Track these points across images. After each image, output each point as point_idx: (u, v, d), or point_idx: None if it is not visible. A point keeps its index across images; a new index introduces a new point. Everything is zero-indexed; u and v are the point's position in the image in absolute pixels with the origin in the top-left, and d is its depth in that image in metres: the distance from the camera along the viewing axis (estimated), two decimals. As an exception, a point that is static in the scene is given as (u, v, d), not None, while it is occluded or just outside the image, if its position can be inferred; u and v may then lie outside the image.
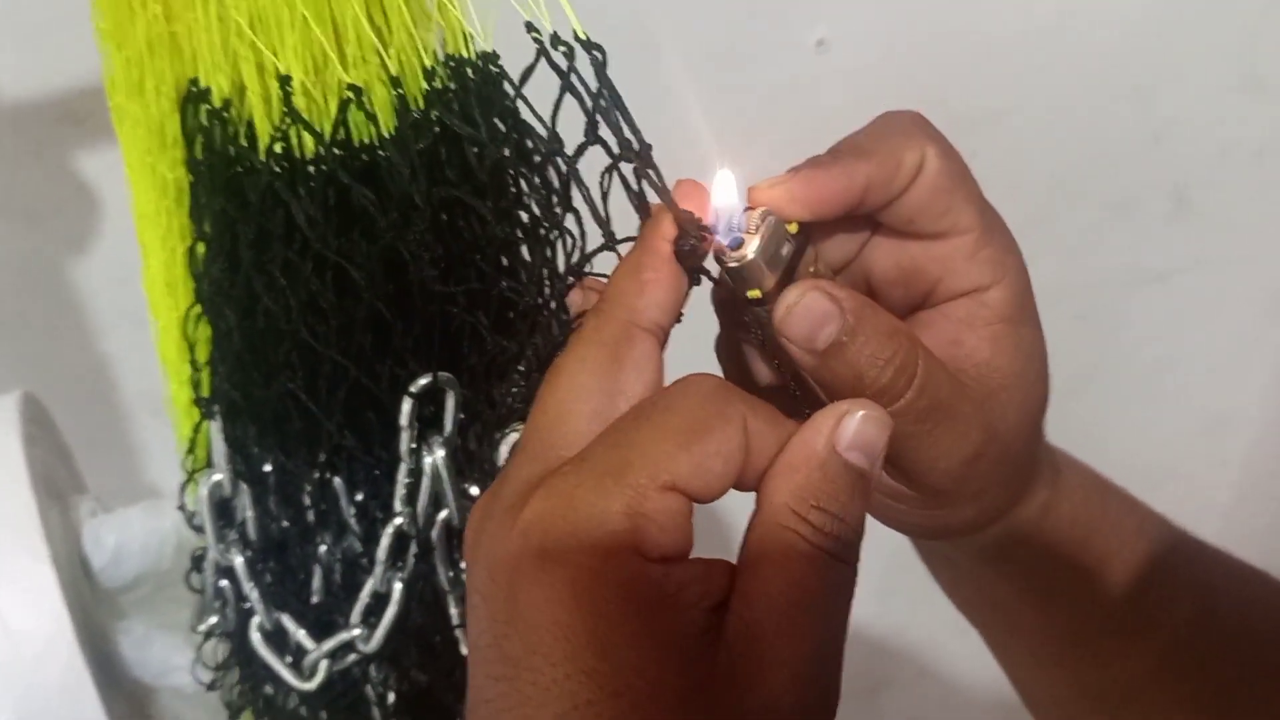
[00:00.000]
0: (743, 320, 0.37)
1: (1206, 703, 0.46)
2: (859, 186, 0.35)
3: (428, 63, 0.37)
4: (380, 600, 0.44)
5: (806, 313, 0.34)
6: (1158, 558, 0.46)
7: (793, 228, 0.35)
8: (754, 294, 0.34)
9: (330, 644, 0.45)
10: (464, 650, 0.45)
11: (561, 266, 0.39)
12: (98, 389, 0.84)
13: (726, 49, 0.86)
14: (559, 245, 0.39)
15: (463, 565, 0.43)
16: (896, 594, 1.22)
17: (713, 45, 0.86)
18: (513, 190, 0.38)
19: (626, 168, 0.35)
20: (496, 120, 0.37)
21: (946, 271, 0.37)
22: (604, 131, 0.35)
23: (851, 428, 0.31)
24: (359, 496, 0.44)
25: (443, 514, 0.42)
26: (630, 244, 0.36)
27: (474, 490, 0.42)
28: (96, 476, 0.63)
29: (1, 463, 0.49)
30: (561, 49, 0.35)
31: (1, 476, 0.49)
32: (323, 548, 0.45)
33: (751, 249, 0.34)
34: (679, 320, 0.35)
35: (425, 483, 0.41)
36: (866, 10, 0.88)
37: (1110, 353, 1.13)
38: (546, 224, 0.38)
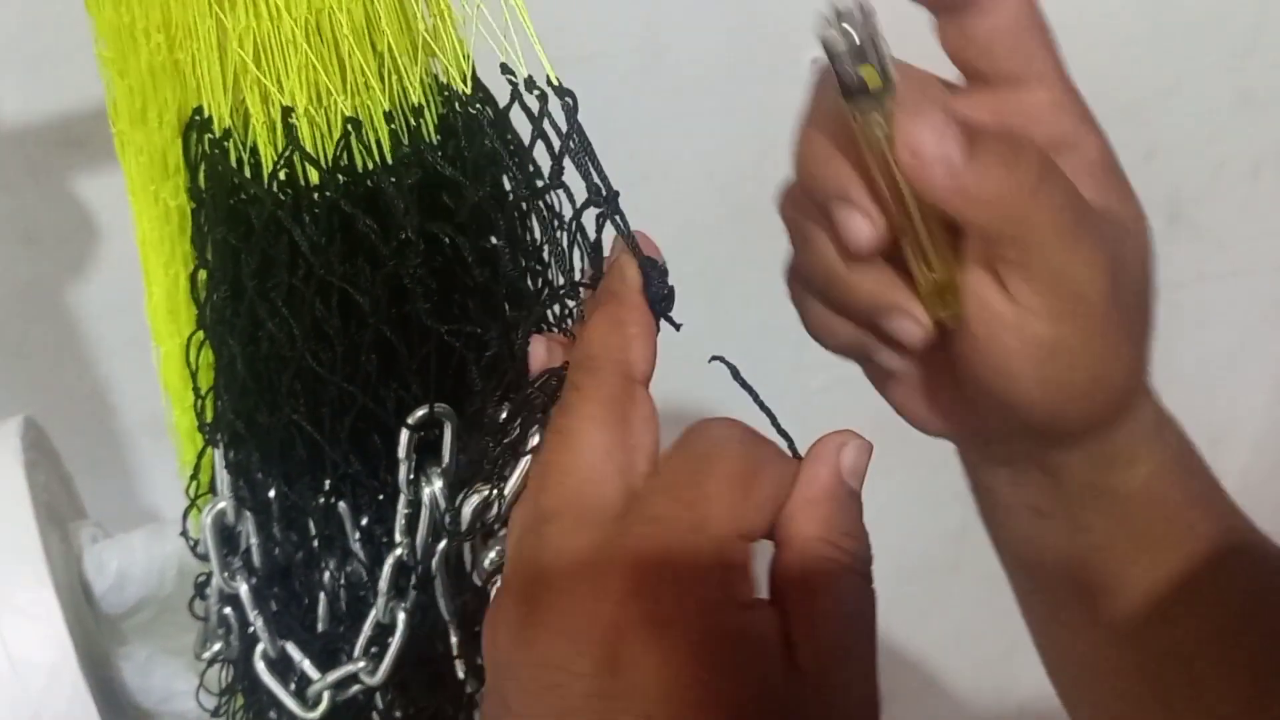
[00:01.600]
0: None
1: (1255, 678, 0.44)
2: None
3: (416, 97, 0.37)
4: (383, 631, 0.44)
5: (933, 127, 0.33)
6: (1229, 519, 0.45)
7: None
8: (872, 78, 0.33)
9: (334, 676, 0.45)
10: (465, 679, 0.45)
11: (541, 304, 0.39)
12: (97, 413, 0.84)
13: (722, 70, 0.86)
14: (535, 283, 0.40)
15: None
16: (902, 606, 1.22)
17: (708, 64, 0.86)
18: (494, 225, 0.39)
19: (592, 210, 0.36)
20: (490, 151, 0.38)
21: (1034, 121, 0.36)
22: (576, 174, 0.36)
23: (850, 457, 0.33)
24: (364, 521, 0.44)
25: (442, 544, 0.42)
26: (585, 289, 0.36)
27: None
28: (96, 501, 0.63)
29: (4, 489, 0.49)
30: (535, 92, 0.35)
31: (4, 502, 0.49)
32: (327, 574, 0.45)
33: (863, 18, 0.33)
34: None
35: (424, 514, 0.41)
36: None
37: (1107, 367, 1.13)
38: (512, 264, 0.39)
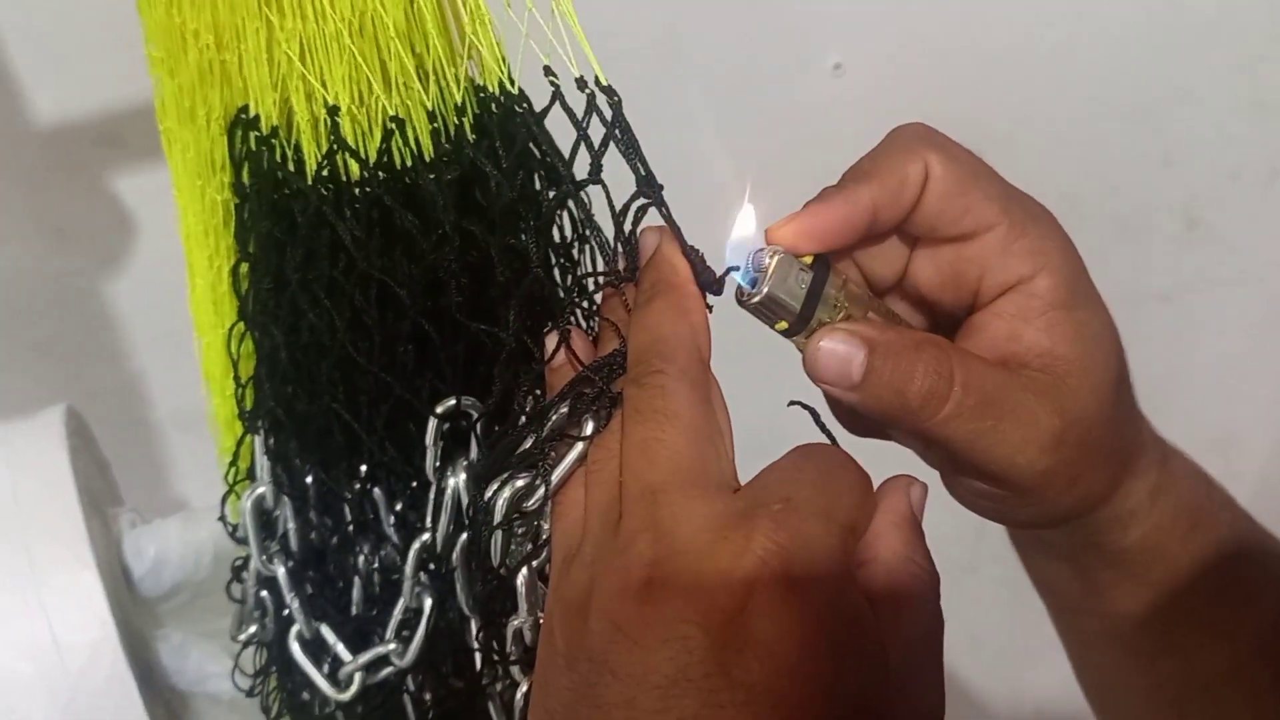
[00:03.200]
0: None
1: (1277, 707, 0.46)
2: (865, 210, 0.37)
3: (458, 96, 0.39)
4: (414, 614, 0.45)
5: (829, 356, 0.36)
6: (1249, 554, 0.47)
7: (807, 259, 0.37)
8: (781, 326, 0.37)
9: (365, 658, 0.46)
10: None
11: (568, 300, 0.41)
12: (128, 406, 0.86)
13: (745, 73, 0.88)
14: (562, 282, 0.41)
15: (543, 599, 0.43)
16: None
17: (731, 70, 0.87)
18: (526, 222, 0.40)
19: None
20: (528, 145, 0.39)
21: (985, 269, 0.38)
22: (614, 169, 0.37)
23: (918, 493, 0.35)
24: (398, 507, 0.45)
25: (464, 535, 0.43)
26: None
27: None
28: (126, 491, 0.65)
29: (49, 474, 0.51)
30: (586, 91, 0.37)
31: (49, 489, 0.50)
32: (361, 558, 0.46)
33: (764, 287, 0.36)
34: None
35: (446, 507, 0.42)
36: (881, 35, 0.90)
37: (1121, 371, 1.14)
38: (560, 259, 0.40)
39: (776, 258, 0.36)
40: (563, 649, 0.33)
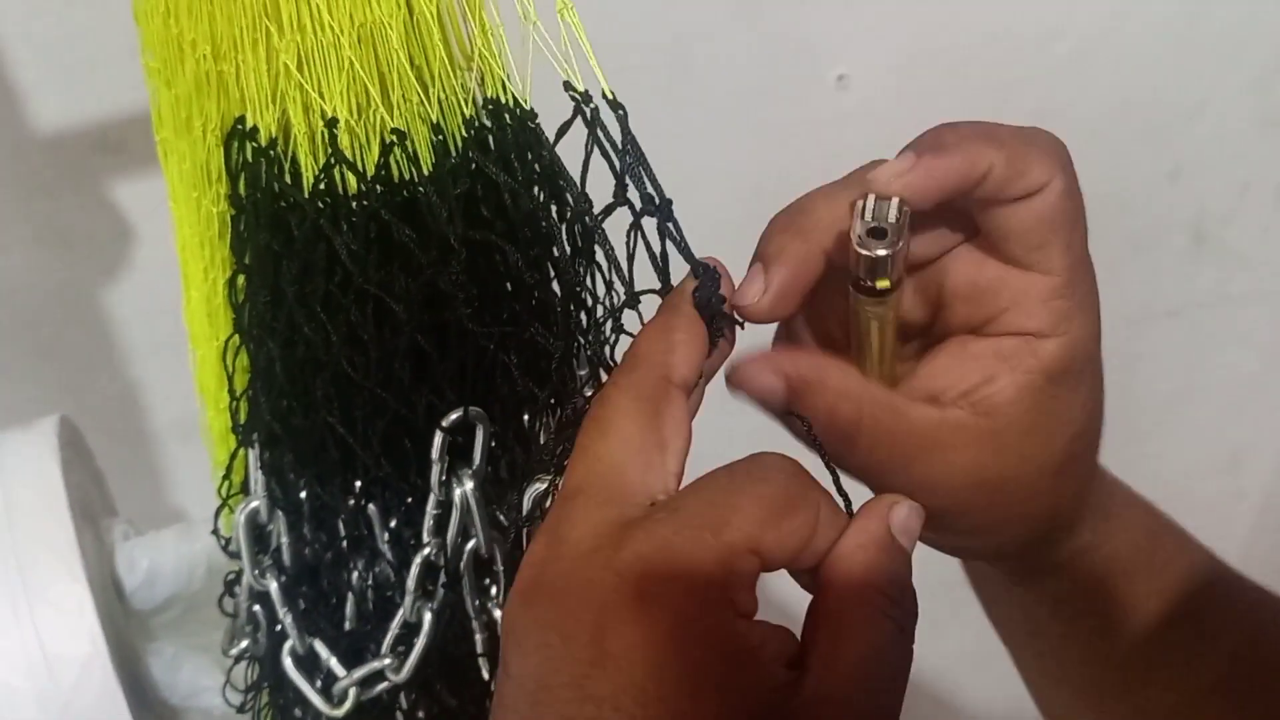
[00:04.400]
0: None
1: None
2: (980, 170, 0.35)
3: (466, 109, 0.38)
4: (410, 630, 0.44)
5: (752, 385, 0.37)
6: (1205, 596, 0.46)
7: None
8: (883, 284, 0.35)
9: (360, 673, 0.45)
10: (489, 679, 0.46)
11: (592, 314, 0.40)
12: (127, 415, 0.85)
13: (749, 86, 0.87)
14: (587, 295, 0.40)
15: (494, 599, 0.44)
16: (918, 622, 1.21)
17: (736, 83, 0.87)
18: (544, 235, 0.40)
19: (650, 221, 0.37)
20: (534, 164, 0.39)
21: (1015, 305, 0.37)
22: (606, 187, 0.37)
23: (901, 514, 0.34)
24: (393, 523, 0.44)
25: (470, 544, 0.43)
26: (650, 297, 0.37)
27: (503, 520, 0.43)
28: (124, 501, 0.64)
29: (41, 487, 0.50)
30: (591, 106, 0.36)
31: (41, 500, 0.50)
32: (355, 574, 0.46)
33: (903, 239, 0.34)
34: (701, 381, 0.36)
35: (455, 514, 0.42)
36: (886, 48, 0.89)
37: (1128, 386, 1.13)
38: (574, 274, 0.40)
39: (907, 212, 0.34)
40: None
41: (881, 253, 0.34)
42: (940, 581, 1.00)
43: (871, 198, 0.35)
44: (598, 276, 0.39)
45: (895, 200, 0.34)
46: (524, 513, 0.37)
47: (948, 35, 0.90)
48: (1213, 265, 1.08)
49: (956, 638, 1.21)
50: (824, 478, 0.36)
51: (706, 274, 0.36)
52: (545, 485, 0.37)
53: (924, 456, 0.37)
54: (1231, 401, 1.16)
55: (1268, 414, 1.17)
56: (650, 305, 0.38)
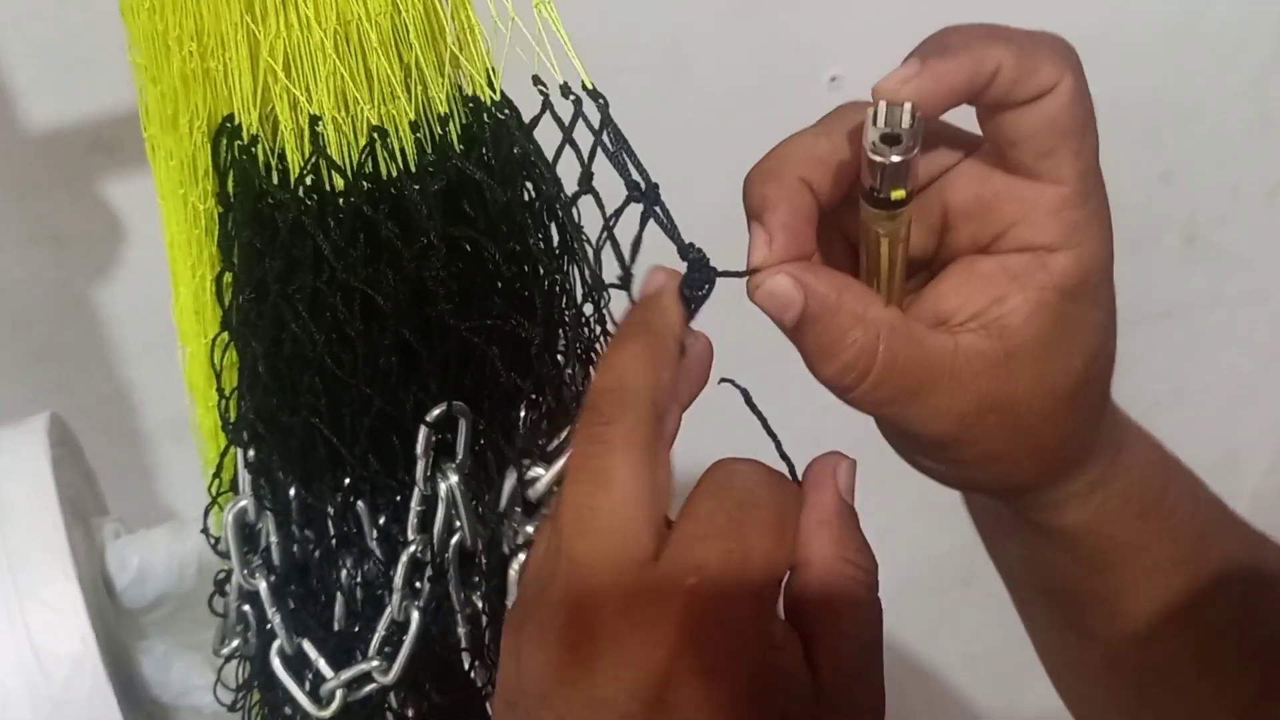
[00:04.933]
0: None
1: (1246, 691, 0.45)
2: (987, 71, 0.34)
3: (444, 105, 0.39)
4: (398, 628, 0.44)
5: (770, 296, 0.36)
6: (1211, 542, 0.46)
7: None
8: (899, 194, 0.34)
9: (347, 675, 0.45)
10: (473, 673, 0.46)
11: (574, 305, 0.40)
12: (120, 414, 0.85)
13: (744, 86, 0.87)
14: (570, 285, 0.41)
15: (480, 591, 0.44)
16: (906, 624, 1.22)
17: (730, 83, 0.87)
18: (523, 228, 0.40)
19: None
20: (514, 158, 0.39)
21: (1023, 218, 0.36)
22: (608, 177, 0.37)
23: (844, 477, 0.35)
24: (381, 521, 0.44)
25: (455, 538, 0.43)
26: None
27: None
28: (116, 500, 0.64)
29: (32, 485, 0.50)
30: (572, 98, 0.36)
31: (32, 498, 0.50)
32: (344, 572, 0.46)
33: (916, 144, 0.33)
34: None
35: (440, 508, 0.42)
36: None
37: (1121, 387, 1.13)
38: (554, 265, 0.40)
39: (919, 118, 0.33)
40: (504, 690, 0.33)
41: (896, 159, 0.33)
42: (936, 580, 1.00)
43: (882, 104, 0.34)
44: (584, 268, 0.40)
45: (907, 105, 0.33)
46: (501, 505, 0.37)
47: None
48: (1206, 266, 1.08)
49: (952, 637, 1.21)
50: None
51: (696, 262, 0.36)
52: (521, 476, 0.37)
53: (937, 386, 0.36)
54: (1225, 402, 1.16)
55: (1261, 414, 1.18)
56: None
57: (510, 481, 0.37)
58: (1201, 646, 0.46)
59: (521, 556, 0.38)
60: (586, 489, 0.32)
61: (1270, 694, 0.45)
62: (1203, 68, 0.98)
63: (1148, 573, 0.45)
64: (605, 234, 0.37)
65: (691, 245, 0.36)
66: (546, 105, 0.37)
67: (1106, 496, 0.43)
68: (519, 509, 0.37)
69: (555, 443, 0.40)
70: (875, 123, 0.34)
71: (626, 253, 0.37)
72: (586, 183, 0.37)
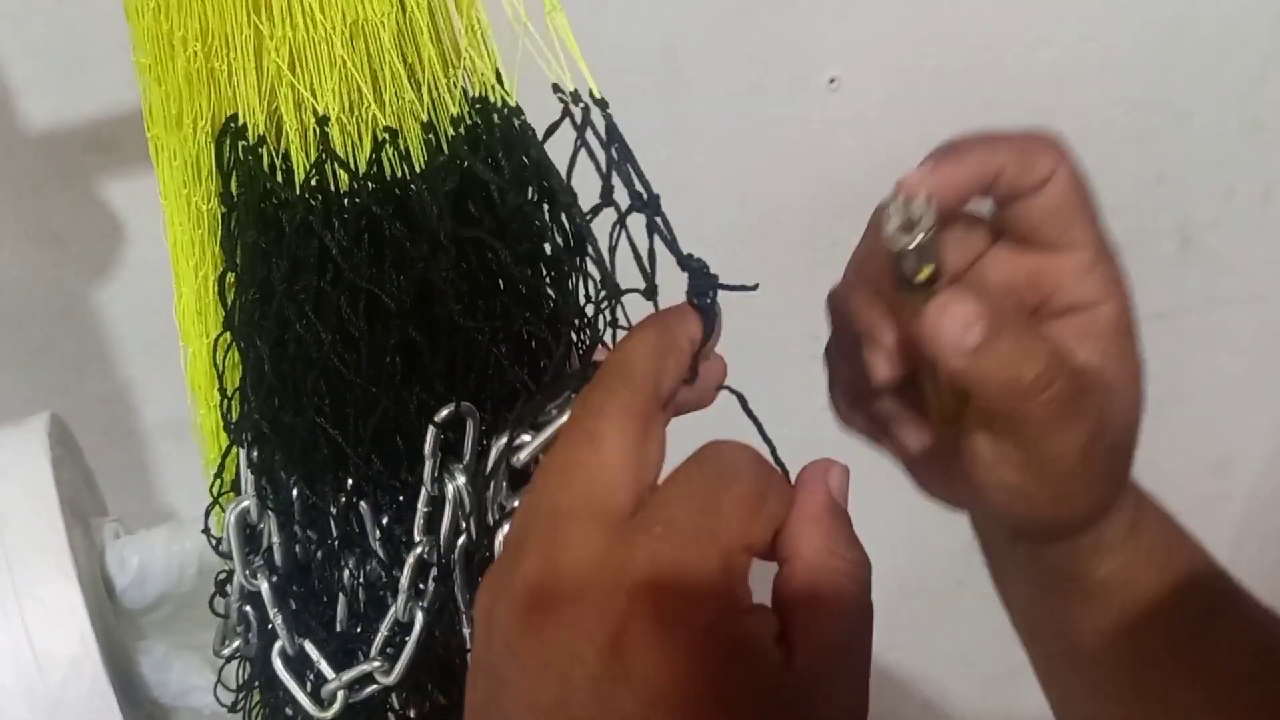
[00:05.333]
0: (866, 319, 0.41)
1: None
2: (993, 170, 0.38)
3: (454, 107, 0.39)
4: (401, 629, 0.44)
5: (955, 315, 0.37)
6: (1221, 597, 0.48)
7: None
8: (925, 274, 0.37)
9: (349, 676, 0.45)
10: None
11: (581, 309, 0.41)
12: (118, 414, 0.85)
13: (742, 88, 0.87)
14: (579, 288, 0.41)
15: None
16: (901, 630, 1.22)
17: (729, 85, 0.87)
18: (535, 231, 0.40)
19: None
20: (524, 159, 0.39)
21: (1060, 286, 0.40)
22: (617, 185, 0.37)
23: (836, 479, 0.35)
24: (384, 522, 0.44)
25: (461, 539, 0.43)
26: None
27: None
28: (115, 500, 0.64)
29: (31, 485, 0.50)
30: (580, 105, 0.37)
31: (31, 498, 0.50)
32: (346, 573, 0.46)
33: (923, 231, 0.36)
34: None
35: (447, 509, 0.42)
36: (877, 51, 0.90)
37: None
38: (565, 268, 0.40)
39: (934, 202, 0.36)
40: (477, 654, 0.33)
41: (914, 242, 0.36)
42: (930, 584, 1.00)
43: (899, 200, 0.37)
44: (591, 272, 0.40)
45: (921, 195, 0.36)
46: (489, 468, 0.37)
47: (938, 40, 0.91)
48: (1199, 269, 1.08)
49: (946, 640, 1.21)
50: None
51: (696, 272, 0.36)
52: (510, 440, 0.37)
53: (1091, 398, 0.39)
54: (1218, 404, 1.16)
55: (1254, 417, 1.18)
56: (635, 303, 0.38)
57: (497, 445, 0.37)
58: (1216, 705, 0.47)
59: (506, 529, 0.38)
60: (575, 446, 0.33)
61: None
62: (1197, 71, 0.98)
63: (1169, 627, 0.47)
64: (615, 240, 0.37)
65: (690, 256, 0.37)
66: (567, 113, 0.37)
67: (1138, 543, 0.46)
68: (505, 483, 0.37)
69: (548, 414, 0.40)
70: (891, 216, 0.37)
71: (625, 261, 0.37)
72: (607, 196, 0.37)
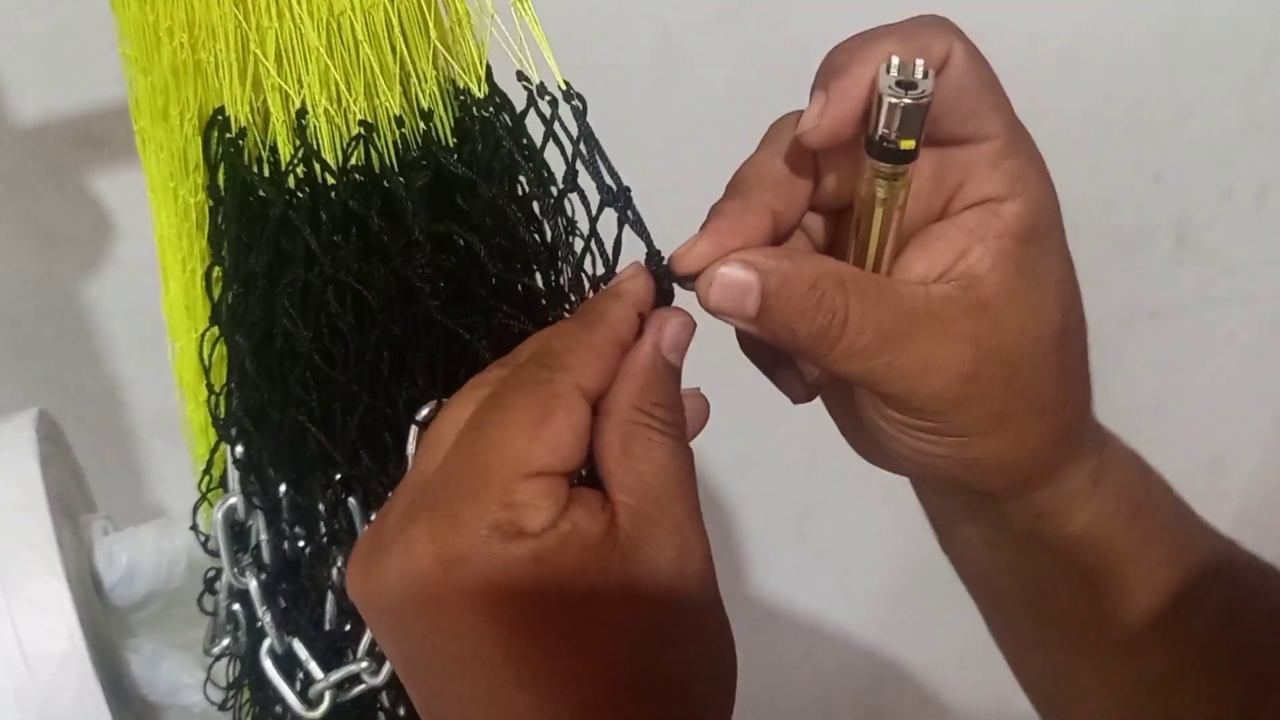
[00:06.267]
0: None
1: (1234, 699, 0.45)
2: (875, 61, 0.35)
3: (432, 101, 0.38)
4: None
5: (726, 287, 0.36)
6: (1194, 546, 0.46)
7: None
8: (908, 144, 0.34)
9: (336, 676, 0.45)
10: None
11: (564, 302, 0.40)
12: (108, 411, 0.85)
13: (738, 84, 0.87)
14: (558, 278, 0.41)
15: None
16: (897, 624, 1.22)
17: (724, 81, 0.87)
18: (509, 224, 0.40)
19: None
20: (502, 154, 0.39)
21: (967, 177, 0.37)
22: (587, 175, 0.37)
23: (670, 333, 0.36)
24: (373, 517, 0.44)
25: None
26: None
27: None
28: (104, 497, 0.64)
29: (19, 481, 0.50)
30: (547, 98, 0.37)
31: (19, 495, 0.49)
32: (335, 571, 0.45)
33: (932, 89, 0.34)
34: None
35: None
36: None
37: (1110, 388, 1.13)
38: (545, 260, 0.40)
39: (932, 73, 0.34)
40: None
41: (909, 101, 0.34)
42: (924, 581, 1.00)
43: (895, 59, 0.35)
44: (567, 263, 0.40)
45: (919, 61, 0.34)
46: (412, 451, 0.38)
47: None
48: (1196, 267, 1.08)
49: (942, 635, 1.21)
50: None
51: (659, 262, 0.37)
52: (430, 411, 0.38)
53: (921, 330, 0.36)
54: (1214, 403, 1.16)
55: (1250, 416, 1.18)
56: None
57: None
58: (1193, 653, 0.46)
59: None
60: (455, 406, 0.35)
61: (1263, 694, 0.45)
62: (1194, 69, 0.98)
63: (1140, 581, 0.45)
64: (590, 232, 0.38)
65: (655, 252, 0.37)
66: (532, 101, 0.37)
67: (1106, 492, 0.43)
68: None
69: None
70: (890, 70, 0.34)
71: (628, 252, 0.38)
72: (572, 182, 0.37)
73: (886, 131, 0.34)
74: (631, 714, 0.32)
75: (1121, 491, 0.44)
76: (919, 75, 0.34)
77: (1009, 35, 0.92)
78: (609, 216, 0.38)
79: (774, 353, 0.43)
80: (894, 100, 0.34)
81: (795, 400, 0.43)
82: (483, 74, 0.38)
